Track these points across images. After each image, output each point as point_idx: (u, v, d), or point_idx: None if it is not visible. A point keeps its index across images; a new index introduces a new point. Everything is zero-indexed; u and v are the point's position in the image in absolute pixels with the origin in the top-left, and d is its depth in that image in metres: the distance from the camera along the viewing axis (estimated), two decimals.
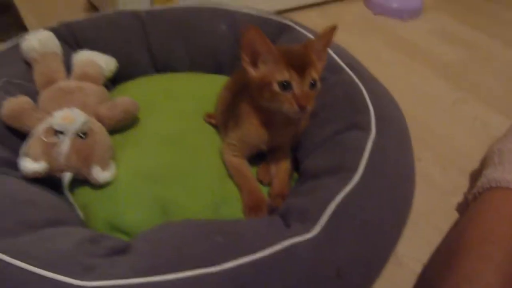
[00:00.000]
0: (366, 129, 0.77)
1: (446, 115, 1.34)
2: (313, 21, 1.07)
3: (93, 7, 1.59)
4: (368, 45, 0.98)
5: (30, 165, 0.71)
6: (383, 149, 0.74)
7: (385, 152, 0.73)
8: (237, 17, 1.10)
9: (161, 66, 1.09)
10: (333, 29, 0.77)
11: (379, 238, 0.65)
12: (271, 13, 1.13)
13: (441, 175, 1.12)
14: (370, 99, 0.83)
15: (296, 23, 1.07)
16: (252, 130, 0.77)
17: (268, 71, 0.71)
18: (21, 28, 1.40)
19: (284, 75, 0.70)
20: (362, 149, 0.72)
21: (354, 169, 0.69)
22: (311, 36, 1.01)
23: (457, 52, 1.66)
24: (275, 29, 1.07)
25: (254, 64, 0.73)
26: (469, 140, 1.26)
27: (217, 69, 1.10)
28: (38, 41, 0.86)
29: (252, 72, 0.74)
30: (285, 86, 0.70)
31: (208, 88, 1.01)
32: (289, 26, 1.06)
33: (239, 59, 1.09)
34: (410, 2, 1.82)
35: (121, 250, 0.59)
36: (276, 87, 0.70)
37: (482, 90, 1.45)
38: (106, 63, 0.94)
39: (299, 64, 0.71)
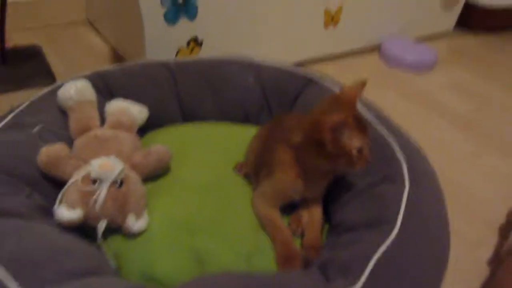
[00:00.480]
0: (400, 182, 0.77)
1: (466, 165, 1.34)
2: (329, 74, 1.11)
3: (117, 56, 1.64)
4: (384, 97, 1.00)
5: (66, 213, 0.72)
6: (418, 201, 0.74)
7: (420, 204, 0.74)
8: (263, 70, 1.13)
9: (189, 115, 1.11)
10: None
11: None
12: (293, 66, 1.16)
13: (466, 226, 1.11)
14: (401, 151, 0.84)
15: (320, 76, 1.09)
16: (287, 180, 0.78)
17: (347, 143, 0.72)
18: (49, 75, 1.43)
19: (360, 142, 0.73)
20: (399, 202, 0.72)
21: (392, 222, 0.69)
22: (335, 89, 1.03)
23: (472, 103, 1.68)
24: (300, 82, 1.10)
25: (335, 144, 0.72)
26: (492, 190, 1.25)
27: (244, 119, 1.12)
28: (75, 90, 0.88)
29: (332, 148, 0.73)
30: (360, 150, 0.73)
31: (237, 137, 1.02)
32: (313, 80, 1.08)
33: (265, 110, 1.13)
34: (424, 56, 1.87)
35: None
36: (355, 153, 0.73)
37: (499, 140, 1.47)
38: (138, 111, 0.95)
39: (363, 126, 0.74)
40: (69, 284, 0.59)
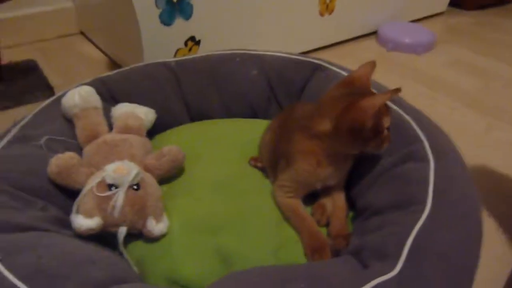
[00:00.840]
0: (423, 160, 0.75)
1: (482, 141, 1.32)
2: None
3: (115, 65, 1.61)
4: (387, 81, 0.97)
5: (84, 222, 0.69)
6: (446, 178, 0.71)
7: (448, 181, 0.71)
8: (266, 61, 1.11)
9: (195, 115, 1.08)
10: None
11: (457, 269, 0.61)
12: (298, 54, 1.14)
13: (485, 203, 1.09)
14: (420, 129, 0.81)
15: (328, 62, 1.07)
16: (309, 170, 0.75)
17: (383, 125, 0.72)
18: (47, 88, 1.41)
19: (389, 119, 0.73)
20: (426, 180, 0.70)
21: (422, 202, 0.66)
22: (344, 73, 1.01)
23: (477, 79, 1.67)
24: (306, 70, 1.07)
25: (373, 128, 0.71)
26: (508, 165, 1.23)
27: (252, 114, 1.10)
28: (79, 96, 0.86)
29: (370, 132, 0.71)
30: (388, 128, 0.73)
31: (247, 132, 1.00)
32: (321, 65, 1.06)
33: (273, 102, 1.10)
34: (422, 37, 1.85)
35: None
36: (386, 132, 0.73)
37: (510, 114, 1.44)
38: (145, 114, 0.93)
39: (387, 105, 0.74)
40: None
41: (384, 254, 0.60)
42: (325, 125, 0.72)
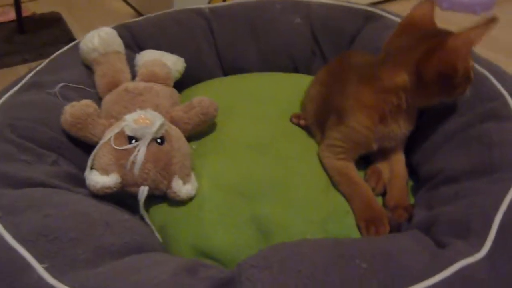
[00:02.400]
0: (508, 118, 0.61)
1: None
2: None
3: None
4: None
5: (99, 179, 0.59)
6: None
7: None
8: (312, 8, 0.97)
9: (229, 68, 0.97)
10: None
11: None
12: (348, 1, 0.99)
13: None
14: (500, 84, 0.67)
15: (382, 9, 0.93)
16: (368, 125, 0.63)
17: (471, 63, 0.62)
18: (71, 41, 1.31)
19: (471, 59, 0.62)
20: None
21: (511, 168, 0.53)
22: None
23: None
24: (357, 19, 0.93)
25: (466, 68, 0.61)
26: None
27: (293, 68, 0.97)
28: (99, 39, 0.75)
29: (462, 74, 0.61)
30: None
31: (288, 87, 0.88)
32: (375, 14, 0.92)
33: (317, 56, 0.97)
34: None
35: (228, 282, 0.45)
36: (472, 74, 0.62)
37: None
38: (173, 62, 0.82)
39: None
40: (108, 264, 0.47)
41: (466, 230, 0.47)
42: (402, 77, 0.60)
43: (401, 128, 0.64)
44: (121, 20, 1.52)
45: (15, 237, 0.48)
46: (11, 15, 1.42)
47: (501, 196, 0.49)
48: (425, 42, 0.59)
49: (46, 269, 0.45)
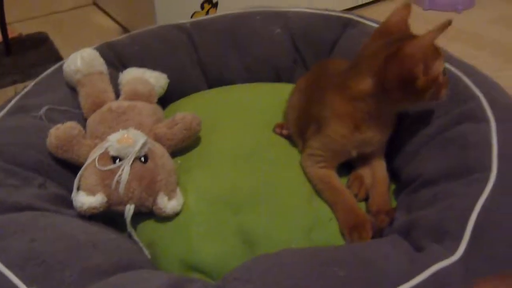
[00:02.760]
0: (483, 119, 0.62)
1: None
2: None
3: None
4: None
5: (86, 199, 0.60)
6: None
7: None
8: (290, 18, 0.99)
9: (213, 80, 0.98)
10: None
11: None
12: (326, 9, 1.01)
13: None
14: (474, 84, 0.69)
15: (359, 16, 0.94)
16: (343, 133, 0.64)
17: (437, 65, 0.61)
18: (58, 61, 1.32)
19: (442, 64, 0.62)
20: (488, 142, 0.58)
21: (486, 168, 0.54)
22: None
23: None
24: (337, 26, 0.95)
25: (427, 73, 0.60)
26: None
27: (276, 77, 0.99)
28: (82, 60, 0.76)
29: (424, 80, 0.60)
30: (444, 72, 0.63)
31: (270, 97, 0.89)
32: (352, 20, 0.93)
33: (298, 64, 0.99)
34: None
35: None
36: (441, 77, 0.62)
37: None
38: (156, 79, 0.83)
39: (437, 49, 0.63)
40: (95, 284, 0.48)
41: (442, 233, 0.49)
42: (366, 84, 0.62)
43: (377, 134, 0.65)
44: (107, 36, 1.54)
45: (3, 262, 0.49)
46: None
47: (476, 198, 0.51)
48: (387, 48, 0.61)
49: None
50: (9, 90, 1.25)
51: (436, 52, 0.61)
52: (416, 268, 0.43)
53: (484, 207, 0.50)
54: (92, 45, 0.91)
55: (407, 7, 0.68)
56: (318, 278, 0.44)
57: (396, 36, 0.65)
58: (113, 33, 1.57)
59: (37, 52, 1.37)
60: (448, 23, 0.58)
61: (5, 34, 1.32)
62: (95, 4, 1.80)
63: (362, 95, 0.62)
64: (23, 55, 1.35)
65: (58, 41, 1.49)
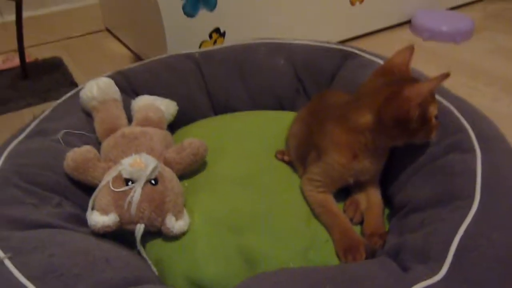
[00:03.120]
0: (469, 150, 0.67)
1: None
2: None
3: (139, 60, 1.58)
4: (425, 71, 0.91)
5: (99, 218, 0.65)
6: (495, 169, 0.64)
7: (499, 172, 0.63)
8: (293, 50, 1.05)
9: (220, 107, 1.04)
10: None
11: None
12: (327, 42, 1.07)
13: None
14: (464, 117, 0.74)
15: (359, 49, 1.00)
16: (342, 162, 0.69)
17: (431, 111, 0.67)
18: (72, 85, 1.39)
19: (436, 106, 0.68)
20: (473, 172, 0.62)
21: (470, 196, 0.59)
22: (378, 61, 0.94)
23: None
24: (336, 58, 1.01)
25: (420, 117, 0.65)
26: None
27: (278, 105, 1.04)
28: (98, 88, 0.82)
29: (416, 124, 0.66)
30: (436, 116, 0.68)
31: (273, 125, 0.94)
32: (352, 53, 0.99)
33: (300, 93, 1.04)
34: (460, 24, 1.74)
35: None
36: (434, 121, 0.68)
37: None
38: (166, 106, 0.89)
39: (432, 95, 0.68)
40: None
41: (426, 255, 0.53)
42: (366, 118, 0.67)
43: (373, 164, 0.70)
44: (119, 61, 1.62)
45: (25, 275, 0.54)
46: (15, 61, 1.50)
47: (459, 223, 0.55)
48: (389, 88, 0.66)
49: None
50: (25, 112, 1.31)
51: (432, 98, 0.67)
52: (401, 286, 0.48)
53: (466, 232, 0.54)
54: (103, 70, 0.97)
55: (410, 49, 0.73)
56: None
57: (396, 77, 0.70)
58: (124, 59, 1.64)
59: (51, 76, 1.43)
60: (447, 74, 0.63)
61: (22, 59, 1.39)
62: (107, 30, 1.87)
63: (362, 129, 0.67)
64: (38, 79, 1.42)
65: (71, 65, 1.56)
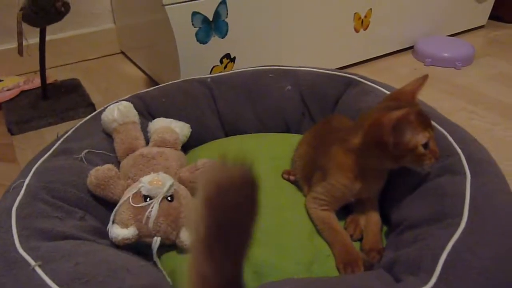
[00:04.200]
0: (460, 173, 0.73)
1: None
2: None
3: (153, 83, 1.66)
4: (427, 95, 0.96)
5: (120, 231, 0.71)
6: (483, 192, 0.69)
7: (486, 195, 0.69)
8: (299, 76, 1.12)
9: (230, 130, 1.10)
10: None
11: (496, 286, 0.59)
12: (331, 69, 1.14)
13: None
14: (456, 142, 0.80)
15: (361, 76, 1.07)
16: (345, 183, 0.75)
17: (411, 140, 0.70)
18: (90, 106, 1.47)
19: (425, 137, 0.70)
20: (462, 193, 0.68)
21: (458, 215, 0.64)
22: (380, 88, 1.00)
23: None
24: (339, 85, 1.07)
25: (397, 143, 0.70)
26: None
27: (285, 128, 1.10)
28: (118, 111, 0.89)
29: (395, 149, 0.70)
30: (426, 145, 0.71)
31: (280, 146, 1.00)
32: (354, 80, 1.06)
33: (306, 117, 1.11)
34: (462, 50, 1.81)
35: None
36: (421, 150, 0.70)
37: None
38: (181, 128, 0.95)
39: (427, 121, 0.72)
40: None
41: (417, 268, 0.58)
42: (357, 138, 0.73)
43: (373, 184, 0.76)
44: (133, 83, 1.70)
45: (54, 281, 0.60)
46: (36, 82, 1.59)
47: (448, 239, 0.61)
48: (379, 113, 0.70)
49: None
50: (45, 131, 1.39)
51: (418, 126, 0.70)
52: None
53: (454, 247, 0.59)
54: (119, 91, 1.04)
55: (424, 78, 0.77)
56: None
57: (396, 103, 0.74)
58: (139, 81, 1.72)
59: (70, 97, 1.51)
60: (416, 106, 0.68)
61: (43, 80, 1.47)
62: (122, 53, 1.96)
63: (354, 148, 0.73)
64: (58, 100, 1.50)
65: (88, 86, 1.64)
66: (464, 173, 0.72)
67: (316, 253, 0.74)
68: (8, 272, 0.62)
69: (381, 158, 0.72)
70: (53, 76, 1.64)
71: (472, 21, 2.13)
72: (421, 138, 0.70)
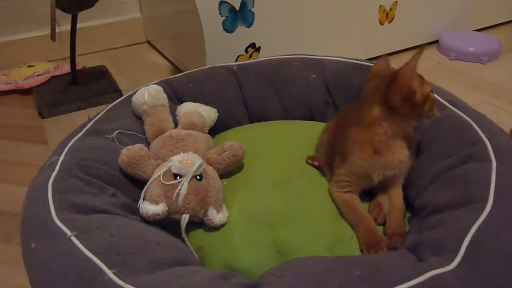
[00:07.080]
0: (485, 160, 0.74)
1: None
2: None
3: (178, 71, 1.69)
4: (452, 89, 0.97)
5: (150, 207, 0.74)
6: (509, 177, 0.70)
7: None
8: (325, 65, 1.13)
9: (255, 116, 1.12)
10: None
11: None
12: (356, 59, 1.15)
13: None
14: (482, 130, 0.80)
15: None
16: (364, 157, 0.76)
17: (424, 85, 0.77)
18: (117, 92, 1.50)
19: (429, 86, 0.77)
20: (488, 179, 0.69)
21: (484, 200, 0.65)
22: None
23: None
24: (365, 74, 1.07)
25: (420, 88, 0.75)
26: None
27: (309, 116, 1.12)
28: (149, 94, 0.92)
29: (420, 93, 0.75)
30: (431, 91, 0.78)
31: (304, 133, 1.02)
32: None
33: (330, 106, 1.12)
34: (488, 45, 1.79)
35: (253, 286, 0.58)
36: (432, 95, 0.77)
37: None
38: (208, 113, 0.98)
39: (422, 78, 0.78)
40: (160, 272, 0.60)
41: (441, 249, 0.59)
42: (376, 110, 0.76)
43: (395, 155, 0.77)
44: (158, 71, 1.73)
45: (89, 250, 0.63)
46: (65, 68, 1.63)
47: (472, 222, 0.62)
48: (385, 81, 0.76)
49: (115, 273, 0.59)
50: (74, 115, 1.43)
51: (422, 79, 0.76)
52: (417, 272, 0.54)
53: (478, 230, 0.60)
54: (144, 78, 1.06)
55: (385, 60, 0.87)
56: (338, 275, 0.55)
57: (385, 75, 0.79)
58: (163, 69, 1.76)
59: (98, 83, 1.55)
60: (422, 49, 0.73)
61: (73, 67, 1.51)
62: (148, 42, 2.00)
63: (375, 121, 0.76)
64: (86, 85, 1.54)
65: (115, 74, 1.68)
66: (490, 160, 0.73)
67: (339, 235, 0.76)
68: (45, 242, 0.66)
69: (407, 114, 0.75)
70: (81, 63, 1.69)
71: (499, 16, 2.10)
72: (427, 85, 0.76)
